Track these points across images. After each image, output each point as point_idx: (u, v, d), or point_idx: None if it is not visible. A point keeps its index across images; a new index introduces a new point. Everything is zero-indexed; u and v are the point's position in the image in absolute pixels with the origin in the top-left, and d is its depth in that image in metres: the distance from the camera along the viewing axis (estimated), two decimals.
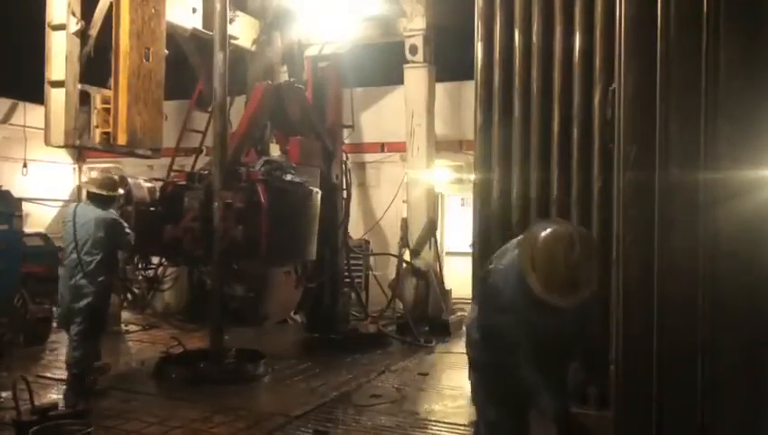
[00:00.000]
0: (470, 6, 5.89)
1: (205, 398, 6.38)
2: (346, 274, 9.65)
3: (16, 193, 9.18)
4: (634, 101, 3.30)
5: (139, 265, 8.11)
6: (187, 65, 9.72)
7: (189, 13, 8.15)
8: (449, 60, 10.82)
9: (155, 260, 8.31)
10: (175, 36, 8.28)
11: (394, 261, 10.59)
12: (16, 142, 12.99)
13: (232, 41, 8.24)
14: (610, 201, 4.28)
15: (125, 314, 10.18)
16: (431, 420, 5.91)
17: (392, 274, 10.54)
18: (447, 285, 10.69)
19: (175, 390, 6.77)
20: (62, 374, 6.63)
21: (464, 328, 4.24)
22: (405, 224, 10.37)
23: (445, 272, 11.00)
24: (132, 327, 9.92)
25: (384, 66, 11.89)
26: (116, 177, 6.89)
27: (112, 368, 7.12)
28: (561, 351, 3.27)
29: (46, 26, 6.80)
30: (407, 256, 10.21)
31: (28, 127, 12.64)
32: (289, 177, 7.69)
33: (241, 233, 7.01)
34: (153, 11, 7.16)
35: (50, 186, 13.58)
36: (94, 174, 6.82)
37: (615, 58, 3.54)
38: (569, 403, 3.26)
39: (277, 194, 7.31)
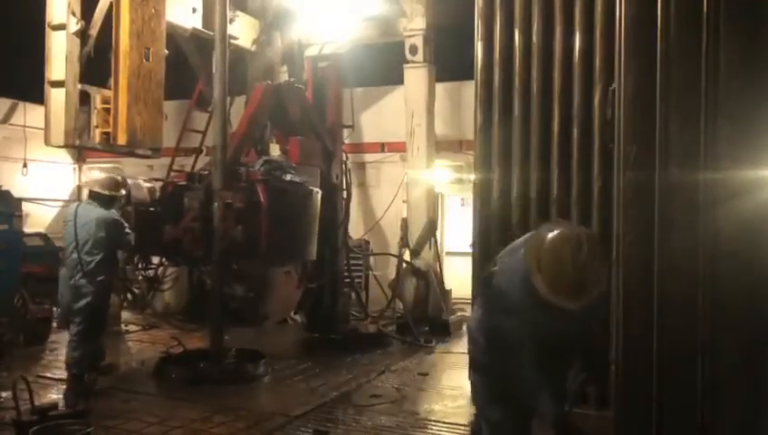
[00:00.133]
0: (470, 6, 5.89)
1: (205, 398, 6.38)
2: (346, 274, 9.65)
3: (16, 193, 9.17)
4: (634, 101, 3.30)
5: (139, 266, 8.12)
6: (187, 65, 9.74)
7: (189, 13, 8.15)
8: (449, 60, 10.82)
9: (155, 260, 8.31)
10: (175, 36, 8.28)
11: (394, 261, 10.60)
12: (16, 142, 13.00)
13: (232, 41, 8.24)
14: (610, 201, 4.27)
15: (125, 314, 10.18)
16: (431, 420, 5.90)
17: (392, 274, 10.54)
18: (447, 285, 10.69)
19: (175, 390, 6.77)
20: (62, 374, 6.63)
21: (464, 328, 4.24)
22: (405, 224, 10.37)
23: (445, 272, 11.00)
24: (132, 327, 9.91)
25: (384, 66, 11.89)
26: (119, 177, 6.90)
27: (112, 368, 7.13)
28: (564, 350, 3.27)
29: (46, 26, 6.81)
30: (407, 256, 10.21)
31: (28, 127, 12.64)
32: (289, 177, 7.69)
33: (241, 233, 7.01)
34: (153, 11, 7.16)
35: (50, 186, 13.59)
36: (96, 173, 6.81)
37: (615, 58, 3.54)
38: (569, 407, 3.26)
39: (277, 194, 7.31)
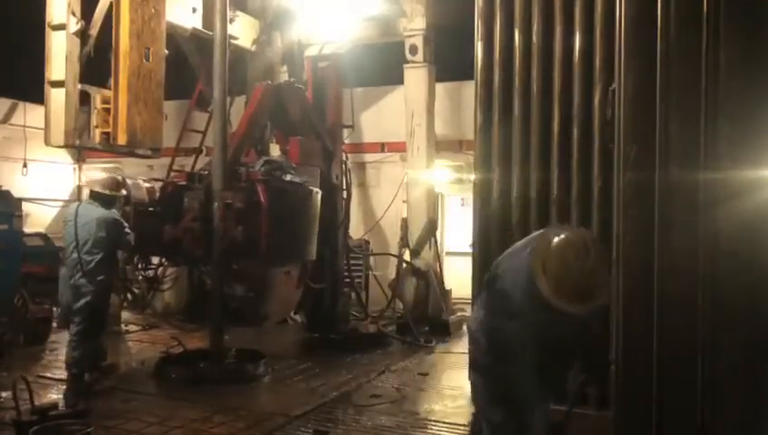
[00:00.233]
0: (470, 6, 5.88)
1: (205, 398, 6.38)
2: (346, 274, 9.65)
3: (16, 193, 9.18)
4: (634, 101, 3.29)
5: (139, 266, 8.12)
6: (187, 65, 9.75)
7: (189, 13, 8.16)
8: (449, 60, 10.82)
9: (155, 260, 8.31)
10: (175, 36, 8.29)
11: (394, 261, 10.60)
12: (16, 142, 13.00)
13: (232, 41, 8.25)
14: (610, 201, 4.27)
15: (125, 314, 10.19)
16: (431, 420, 5.91)
17: (392, 274, 10.55)
18: (447, 285, 10.69)
19: (175, 390, 6.78)
20: (62, 374, 6.63)
21: (464, 328, 4.25)
22: (405, 224, 10.38)
23: (445, 272, 11.01)
24: (132, 327, 9.92)
25: (384, 66, 11.90)
26: (120, 177, 6.91)
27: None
28: (564, 352, 3.27)
29: (46, 26, 6.81)
30: (407, 256, 10.21)
31: (28, 127, 12.64)
32: (289, 177, 7.70)
33: (241, 233, 7.01)
34: (153, 11, 7.16)
35: (50, 186, 13.59)
36: (96, 173, 6.82)
37: (615, 58, 3.54)
38: (569, 407, 3.27)
39: (277, 194, 7.31)
